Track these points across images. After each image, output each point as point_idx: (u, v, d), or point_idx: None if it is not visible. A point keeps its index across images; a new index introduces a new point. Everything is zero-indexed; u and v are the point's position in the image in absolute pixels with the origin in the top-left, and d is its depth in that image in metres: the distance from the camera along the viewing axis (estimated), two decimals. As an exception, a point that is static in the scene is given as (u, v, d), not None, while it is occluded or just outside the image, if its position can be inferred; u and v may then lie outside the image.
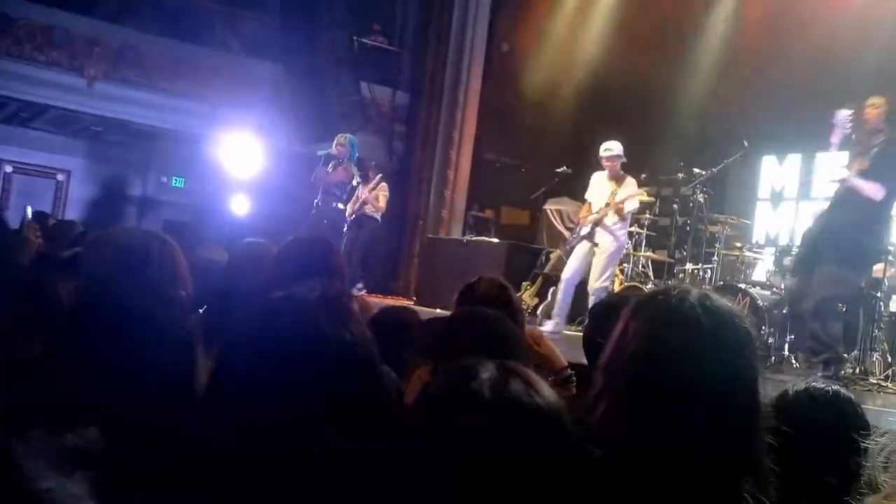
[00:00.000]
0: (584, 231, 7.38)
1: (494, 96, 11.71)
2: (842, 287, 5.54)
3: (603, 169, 7.37)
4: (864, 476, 1.18)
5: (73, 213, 12.71)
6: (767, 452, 1.25)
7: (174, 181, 13.68)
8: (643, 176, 8.93)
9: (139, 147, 13.20)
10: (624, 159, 7.31)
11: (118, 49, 10.86)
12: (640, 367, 1.27)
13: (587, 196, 7.60)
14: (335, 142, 9.18)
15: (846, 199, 5.57)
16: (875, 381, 5.82)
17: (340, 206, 9.15)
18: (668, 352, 1.26)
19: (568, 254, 7.67)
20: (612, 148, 7.28)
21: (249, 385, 1.30)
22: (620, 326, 1.34)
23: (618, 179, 7.32)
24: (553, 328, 7.13)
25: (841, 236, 5.51)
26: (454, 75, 11.64)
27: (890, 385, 5.83)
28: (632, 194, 7.21)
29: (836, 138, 5.67)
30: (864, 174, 5.46)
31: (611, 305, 2.45)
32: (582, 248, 7.37)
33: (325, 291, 1.49)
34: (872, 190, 5.41)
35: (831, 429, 1.60)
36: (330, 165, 9.20)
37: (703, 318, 1.28)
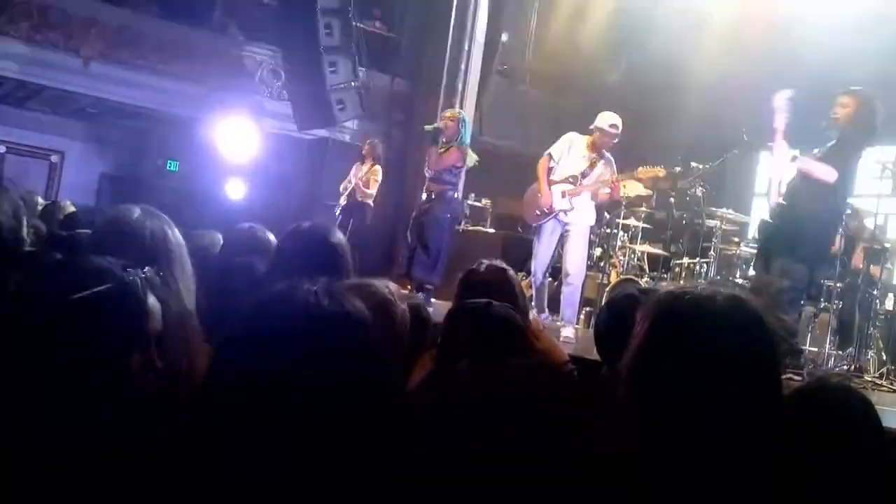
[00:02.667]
0: (561, 207, 6.53)
1: (493, 86, 11.66)
2: (792, 279, 5.30)
3: (584, 134, 6.64)
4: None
5: (66, 194, 12.63)
6: (791, 451, 1.23)
7: (169, 164, 13.59)
8: (640, 168, 8.91)
9: (134, 129, 13.11)
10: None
11: (115, 30, 10.75)
12: (673, 371, 1.22)
13: (554, 150, 6.70)
14: (442, 116, 7.75)
15: (799, 188, 5.33)
16: (870, 379, 5.84)
17: (457, 195, 7.55)
18: (701, 356, 1.22)
19: (535, 234, 6.86)
20: (618, 124, 6.54)
21: (248, 372, 1.27)
22: (644, 328, 1.29)
23: (600, 153, 6.61)
24: (570, 334, 6.37)
25: (792, 227, 5.27)
26: (453, 63, 11.56)
27: (884, 383, 5.85)
28: (636, 175, 6.60)
29: (780, 124, 5.31)
30: (818, 158, 5.24)
31: (628, 300, 2.40)
32: (550, 229, 6.64)
33: (329, 284, 1.45)
34: (824, 172, 5.14)
35: (843, 426, 1.58)
36: (440, 145, 7.45)
37: (736, 321, 1.25)
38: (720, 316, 1.24)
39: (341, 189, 9.32)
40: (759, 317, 1.28)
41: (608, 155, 6.71)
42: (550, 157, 6.71)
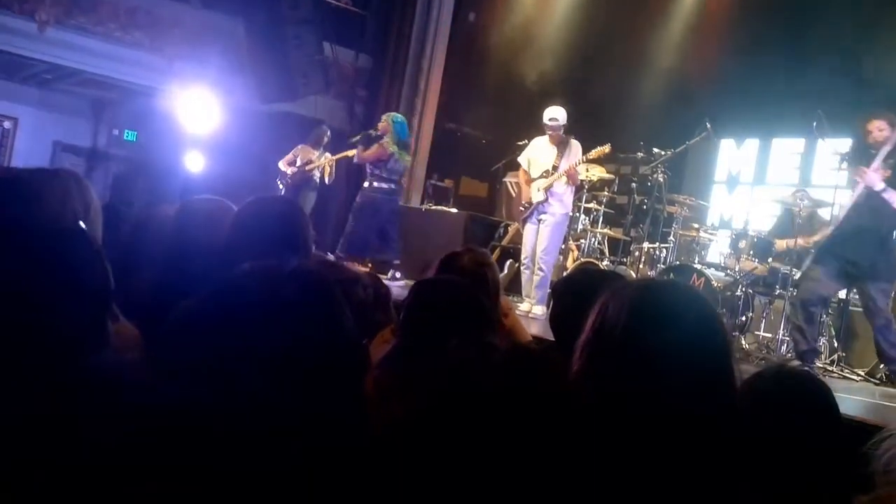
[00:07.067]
0: (538, 199, 7.23)
1: (458, 66, 11.59)
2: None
3: (544, 134, 7.33)
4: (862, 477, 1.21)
5: (18, 161, 12.31)
6: (742, 426, 1.27)
7: (126, 134, 13.31)
8: (589, 153, 8.95)
9: (91, 97, 12.82)
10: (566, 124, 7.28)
11: (73, -6, 10.48)
12: (622, 344, 1.26)
13: (522, 159, 7.51)
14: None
15: (875, 207, 5.40)
16: (821, 366, 5.96)
17: (384, 185, 8.43)
18: (647, 325, 1.28)
19: (523, 227, 7.54)
20: (557, 117, 7.20)
21: (211, 360, 1.23)
22: (597, 309, 1.34)
23: (561, 144, 7.25)
24: (540, 312, 6.86)
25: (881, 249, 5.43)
26: (419, 42, 11.48)
27: (835, 369, 5.99)
28: (581, 160, 7.22)
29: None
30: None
31: (574, 282, 2.41)
32: (533, 221, 7.29)
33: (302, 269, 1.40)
34: None
35: (803, 410, 1.61)
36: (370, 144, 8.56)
37: (674, 295, 1.34)
38: (676, 304, 1.30)
39: (283, 168, 9.85)
40: (695, 292, 1.38)
41: (574, 143, 7.30)
42: (521, 165, 7.55)
